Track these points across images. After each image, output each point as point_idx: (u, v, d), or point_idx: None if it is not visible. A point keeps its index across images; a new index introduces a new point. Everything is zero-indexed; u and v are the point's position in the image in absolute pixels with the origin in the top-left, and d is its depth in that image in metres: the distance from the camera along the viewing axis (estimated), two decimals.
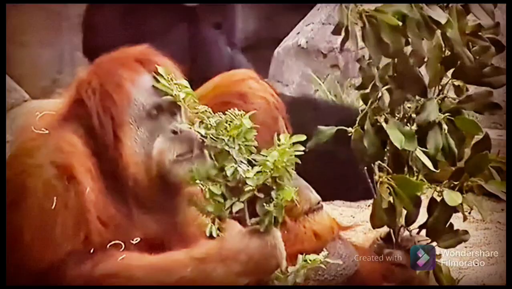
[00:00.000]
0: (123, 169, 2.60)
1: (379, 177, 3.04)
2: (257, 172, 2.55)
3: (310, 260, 2.60)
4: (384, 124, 2.96)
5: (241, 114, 2.63)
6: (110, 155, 2.61)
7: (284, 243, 2.57)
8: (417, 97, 3.13)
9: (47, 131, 2.58)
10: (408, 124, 3.11)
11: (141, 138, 2.64)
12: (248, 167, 2.58)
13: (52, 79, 6.10)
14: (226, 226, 2.59)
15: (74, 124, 2.63)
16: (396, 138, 2.93)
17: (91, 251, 2.49)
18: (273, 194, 2.56)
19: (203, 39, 4.79)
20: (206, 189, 2.57)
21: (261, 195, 2.57)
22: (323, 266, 2.64)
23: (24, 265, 2.49)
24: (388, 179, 3.02)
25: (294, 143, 2.59)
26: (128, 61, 2.68)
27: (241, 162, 2.58)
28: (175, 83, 2.65)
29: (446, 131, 3.10)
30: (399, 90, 3.12)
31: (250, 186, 2.55)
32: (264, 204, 2.54)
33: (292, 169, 2.60)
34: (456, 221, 3.16)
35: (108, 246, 2.51)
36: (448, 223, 3.10)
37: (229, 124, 2.62)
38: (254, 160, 2.60)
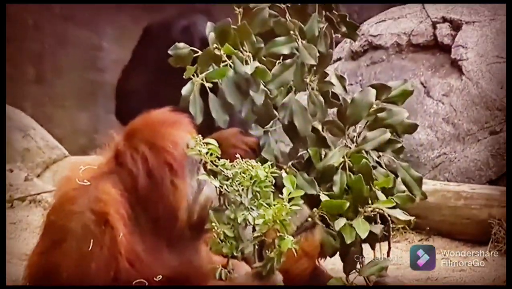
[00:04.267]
0: (175, 214, 2.80)
1: (313, 212, 3.24)
2: (264, 221, 2.74)
3: None
4: (283, 175, 3.02)
5: (255, 166, 2.78)
6: (161, 203, 2.80)
7: None
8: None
9: (89, 183, 2.79)
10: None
11: (193, 188, 2.85)
12: (262, 212, 2.73)
13: (89, 138, 6.31)
14: (235, 268, 2.83)
15: (113, 178, 2.81)
16: (288, 183, 2.94)
17: None
18: (276, 241, 2.76)
19: None
20: (221, 231, 2.76)
21: (270, 240, 2.75)
22: None
23: None
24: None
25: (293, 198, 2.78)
26: (171, 123, 2.89)
27: (252, 209, 2.75)
28: (204, 142, 2.84)
29: (348, 172, 3.29)
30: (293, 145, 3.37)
31: (259, 232, 2.74)
32: (267, 251, 2.74)
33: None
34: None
35: (133, 283, 2.72)
36: (359, 249, 3.25)
37: (243, 175, 2.78)
38: (268, 204, 2.75)
